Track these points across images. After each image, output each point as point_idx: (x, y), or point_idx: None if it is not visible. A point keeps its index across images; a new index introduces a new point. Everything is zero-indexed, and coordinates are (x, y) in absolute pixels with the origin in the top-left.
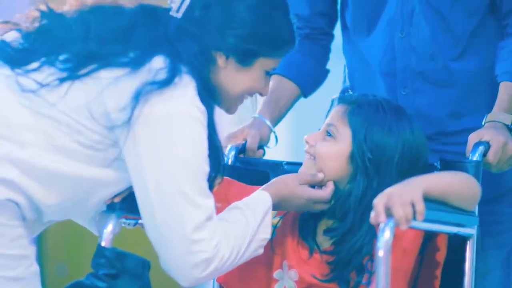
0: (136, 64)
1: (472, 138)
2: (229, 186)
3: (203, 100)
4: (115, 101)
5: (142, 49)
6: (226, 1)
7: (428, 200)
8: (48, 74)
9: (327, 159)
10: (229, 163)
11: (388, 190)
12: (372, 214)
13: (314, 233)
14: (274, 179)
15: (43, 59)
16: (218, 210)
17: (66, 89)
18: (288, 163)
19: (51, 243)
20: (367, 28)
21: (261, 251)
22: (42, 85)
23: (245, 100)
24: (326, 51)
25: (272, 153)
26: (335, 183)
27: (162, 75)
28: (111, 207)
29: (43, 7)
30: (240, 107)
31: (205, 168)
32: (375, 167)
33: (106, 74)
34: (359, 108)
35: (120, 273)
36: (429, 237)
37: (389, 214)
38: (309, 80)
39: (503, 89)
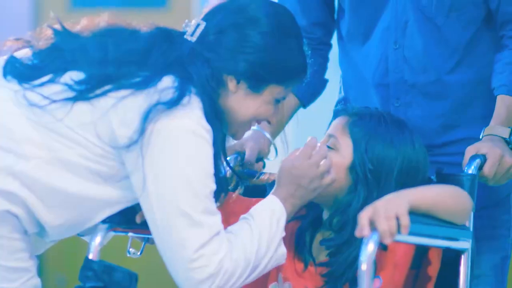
0: (145, 83)
1: (469, 151)
2: (228, 200)
3: (211, 122)
4: (120, 119)
5: (155, 70)
6: (241, 27)
7: (416, 213)
8: (56, 90)
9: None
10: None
11: (374, 204)
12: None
13: (310, 245)
14: (278, 172)
15: (51, 75)
16: None
17: (71, 105)
18: None
19: (51, 255)
20: (362, 38)
21: (282, 259)
22: (53, 101)
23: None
24: (324, 60)
25: (273, 166)
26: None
27: (170, 95)
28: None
29: (57, 26)
30: None
31: (211, 186)
32: (375, 178)
33: (113, 94)
34: (361, 120)
35: (108, 286)
36: (423, 251)
37: (373, 227)
38: (307, 91)
39: (500, 102)
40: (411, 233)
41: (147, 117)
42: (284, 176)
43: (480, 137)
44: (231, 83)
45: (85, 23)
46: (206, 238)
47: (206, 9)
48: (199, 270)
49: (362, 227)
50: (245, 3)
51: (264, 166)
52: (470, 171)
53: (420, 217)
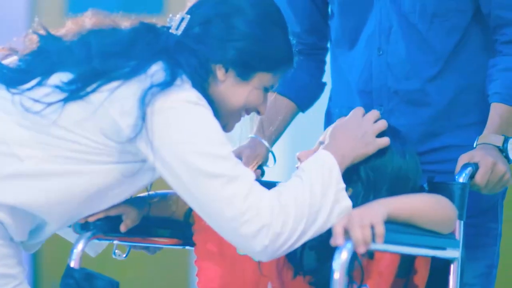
0: (134, 72)
1: (462, 159)
2: None
3: None
4: (119, 110)
5: (142, 59)
6: (226, 16)
7: (395, 223)
8: (46, 93)
9: None
10: None
11: (349, 212)
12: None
13: (301, 253)
14: (332, 127)
15: (39, 78)
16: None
17: (63, 105)
18: None
19: (46, 262)
20: (348, 44)
21: (346, 211)
22: (49, 104)
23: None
24: (321, 64)
25: (272, 173)
26: None
27: (162, 77)
28: (84, 227)
29: (41, 31)
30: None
31: (228, 146)
32: (369, 185)
33: (105, 87)
34: None
35: None
36: (411, 260)
37: (348, 236)
38: (305, 95)
39: (493, 110)
40: (389, 242)
41: (143, 101)
42: (336, 131)
43: (474, 146)
44: (220, 72)
45: (70, 25)
46: (247, 188)
47: (190, 3)
48: (252, 222)
49: (336, 236)
50: None
51: (263, 174)
52: (461, 180)
53: (399, 226)
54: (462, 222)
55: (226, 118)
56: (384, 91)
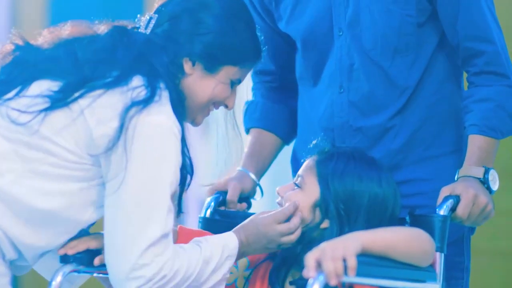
0: (117, 82)
1: (443, 191)
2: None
3: (178, 110)
4: (96, 118)
5: (124, 68)
6: (193, 11)
7: (370, 255)
8: (28, 102)
9: None
10: (207, 215)
11: (322, 245)
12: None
13: (283, 283)
14: (248, 220)
15: (19, 87)
16: None
17: (45, 114)
18: None
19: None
20: (312, 82)
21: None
22: (39, 112)
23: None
24: None
25: (259, 206)
26: (303, 232)
27: (143, 94)
28: (64, 259)
29: (18, 41)
30: None
31: (176, 185)
32: (345, 214)
33: (88, 95)
34: (329, 158)
35: None
36: None
37: (320, 269)
38: (287, 128)
39: (471, 142)
40: (362, 275)
41: (125, 115)
42: (251, 225)
43: (456, 179)
44: (187, 65)
45: (46, 35)
46: (158, 236)
47: (157, 4)
48: (143, 269)
49: (309, 268)
50: None
51: (249, 207)
52: (442, 212)
53: (373, 259)
54: (442, 254)
55: (194, 112)
56: (346, 128)
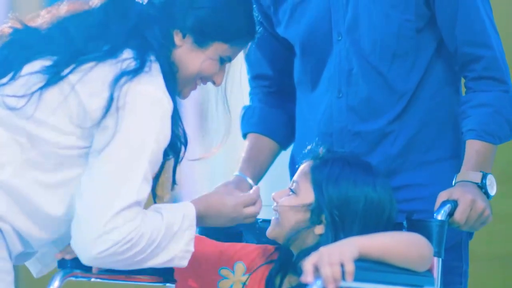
0: (108, 55)
1: (441, 196)
2: (199, 244)
3: (170, 82)
4: (88, 91)
5: (116, 42)
6: None
7: (368, 260)
8: (23, 83)
9: (286, 213)
10: None
11: (320, 250)
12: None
13: None
14: (215, 193)
15: (13, 72)
16: None
17: (40, 94)
18: (264, 220)
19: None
20: (310, 86)
21: (183, 262)
22: (32, 93)
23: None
24: None
25: None
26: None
27: (133, 65)
28: (61, 264)
29: (16, 24)
30: None
31: (161, 156)
32: (340, 220)
33: (79, 69)
34: (324, 164)
35: None
36: None
37: (318, 274)
38: (284, 133)
39: (469, 147)
40: (360, 280)
41: (115, 86)
42: (213, 201)
43: (453, 184)
44: (177, 37)
45: (44, 15)
46: (131, 201)
47: None
48: (112, 232)
49: (307, 273)
50: None
51: None
52: (439, 217)
53: (371, 263)
54: (440, 259)
55: (181, 85)
56: (345, 133)
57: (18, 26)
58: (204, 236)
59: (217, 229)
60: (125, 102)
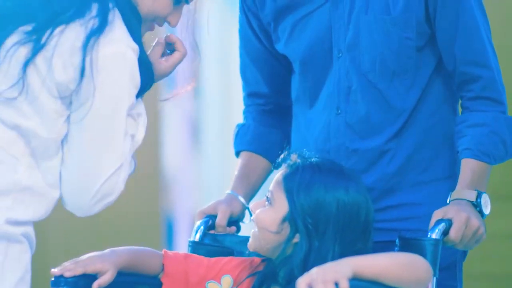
0: (75, 15)
1: (436, 215)
2: (187, 262)
3: (132, 26)
4: (62, 60)
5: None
6: None
7: (362, 280)
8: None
9: (262, 224)
10: (196, 239)
11: (314, 269)
12: None
13: None
14: None
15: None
16: None
17: (21, 75)
18: None
19: None
20: (308, 103)
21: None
22: (24, 65)
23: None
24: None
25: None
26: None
27: (96, 23)
28: (55, 283)
29: None
30: None
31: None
32: (313, 227)
33: (56, 31)
34: (295, 171)
35: None
36: None
37: None
38: (278, 153)
39: (464, 166)
40: None
41: (84, 51)
42: None
43: (448, 202)
44: None
45: None
46: (117, 165)
47: None
48: (105, 199)
49: None
50: None
51: (239, 230)
52: (434, 236)
53: (366, 283)
54: (434, 278)
55: None
56: (342, 150)
57: None
58: (190, 254)
59: (209, 248)
60: (96, 68)
